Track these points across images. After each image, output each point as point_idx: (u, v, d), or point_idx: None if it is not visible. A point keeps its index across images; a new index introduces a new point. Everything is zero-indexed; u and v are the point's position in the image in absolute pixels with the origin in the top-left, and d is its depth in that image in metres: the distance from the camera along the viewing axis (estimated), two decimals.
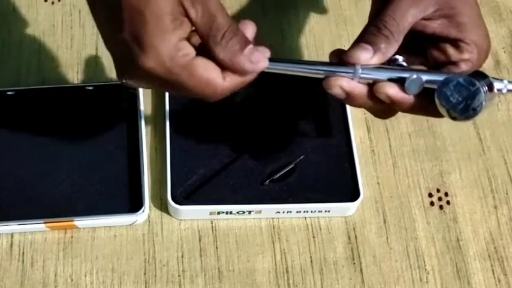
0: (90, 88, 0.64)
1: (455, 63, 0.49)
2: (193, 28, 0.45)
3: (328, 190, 0.60)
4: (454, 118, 0.47)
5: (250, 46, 0.45)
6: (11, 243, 0.58)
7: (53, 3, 0.71)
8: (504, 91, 0.47)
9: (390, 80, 0.47)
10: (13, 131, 0.62)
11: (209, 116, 0.63)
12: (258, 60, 0.46)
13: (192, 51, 0.45)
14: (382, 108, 0.50)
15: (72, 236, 0.59)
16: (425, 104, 0.48)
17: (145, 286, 0.57)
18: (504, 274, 0.59)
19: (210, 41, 0.45)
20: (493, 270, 0.60)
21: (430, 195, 0.63)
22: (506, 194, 0.63)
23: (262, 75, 0.47)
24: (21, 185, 0.59)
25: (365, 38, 0.48)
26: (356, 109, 0.58)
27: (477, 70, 0.48)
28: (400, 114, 0.51)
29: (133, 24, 0.43)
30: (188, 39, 0.45)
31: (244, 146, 0.62)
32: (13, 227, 0.58)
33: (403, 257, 0.60)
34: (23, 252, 0.58)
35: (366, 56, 0.47)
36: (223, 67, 0.45)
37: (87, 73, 0.67)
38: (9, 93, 0.63)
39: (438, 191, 0.63)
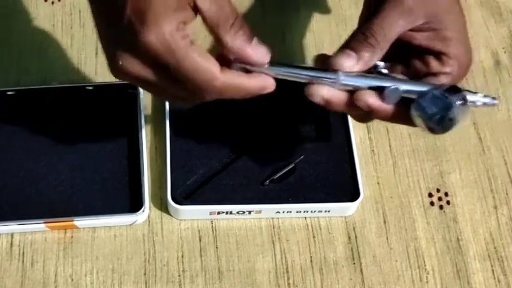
0: (90, 88, 0.64)
1: (435, 75, 0.50)
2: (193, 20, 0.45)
3: (328, 190, 0.60)
4: (431, 129, 0.47)
5: (256, 39, 0.46)
6: (11, 243, 0.58)
7: (53, 3, 0.71)
8: (478, 104, 0.49)
9: (370, 88, 0.48)
10: (13, 131, 0.62)
11: (209, 116, 0.63)
12: (262, 55, 0.46)
13: (190, 37, 0.44)
14: (361, 114, 0.51)
15: (72, 236, 0.59)
16: (402, 113, 0.48)
17: (146, 286, 0.57)
18: (504, 274, 0.59)
19: (219, 29, 0.45)
20: (493, 270, 0.60)
21: (430, 195, 0.63)
22: (506, 194, 0.63)
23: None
24: (21, 185, 0.59)
25: (351, 44, 0.49)
26: None
27: (453, 85, 0.48)
28: None
29: (138, 1, 0.43)
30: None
31: (244, 146, 0.62)
32: (13, 227, 0.58)
33: (403, 257, 0.60)
34: (23, 252, 0.58)
35: (349, 63, 0.48)
36: (228, 58, 0.46)
37: (87, 73, 0.67)
38: (9, 93, 0.63)
39: (438, 191, 0.63)
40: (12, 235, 0.59)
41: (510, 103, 0.68)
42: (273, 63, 0.48)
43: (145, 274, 0.58)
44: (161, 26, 0.43)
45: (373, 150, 0.65)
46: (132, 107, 0.63)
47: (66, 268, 0.58)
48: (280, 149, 0.62)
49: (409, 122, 0.48)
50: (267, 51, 0.47)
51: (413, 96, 0.47)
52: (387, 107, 0.48)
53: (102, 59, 0.67)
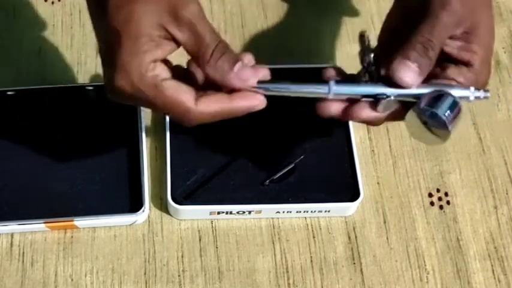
0: (90, 88, 0.64)
1: (448, 79, 0.49)
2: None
3: (328, 190, 0.60)
4: (429, 132, 0.47)
5: (239, 64, 0.46)
6: (11, 243, 0.58)
7: (53, 3, 0.71)
8: (472, 98, 0.48)
9: (363, 96, 0.47)
10: (13, 131, 0.62)
11: None
12: (248, 77, 0.47)
13: (164, 74, 0.46)
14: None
15: (72, 236, 0.59)
16: (398, 115, 0.48)
17: (145, 286, 0.57)
18: (504, 274, 0.59)
19: (199, 61, 0.46)
20: (493, 270, 0.60)
21: (430, 195, 0.63)
22: (506, 194, 0.63)
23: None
24: (21, 185, 0.59)
25: (409, 54, 0.47)
26: None
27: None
28: None
29: (111, 44, 0.45)
30: (167, 62, 0.47)
31: (244, 146, 0.62)
32: (13, 227, 0.58)
33: (403, 257, 0.60)
34: (23, 252, 0.58)
35: (411, 77, 0.46)
36: (215, 86, 0.47)
37: (87, 73, 0.67)
38: (9, 93, 0.63)
39: (438, 191, 0.63)
40: (12, 235, 0.59)
41: (510, 103, 0.68)
42: (261, 81, 0.47)
43: (145, 274, 0.58)
44: (128, 69, 0.45)
45: (373, 150, 0.65)
46: (132, 107, 0.63)
47: (66, 268, 0.58)
48: (280, 149, 0.62)
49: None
50: (254, 71, 0.47)
51: (408, 99, 0.47)
52: (383, 116, 0.48)
53: None
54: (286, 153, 0.62)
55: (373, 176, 0.63)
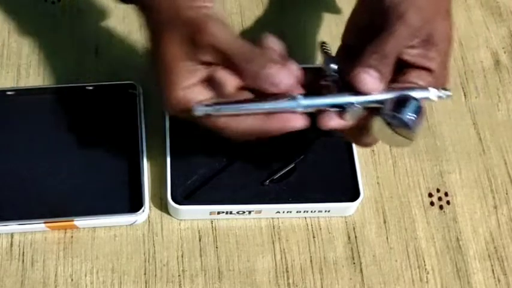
0: (90, 88, 0.64)
1: (409, 83, 0.50)
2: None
3: (328, 190, 0.60)
4: (396, 135, 0.48)
5: (270, 68, 0.47)
6: (11, 243, 0.58)
7: (53, 3, 0.71)
8: (433, 98, 0.49)
9: (331, 106, 0.48)
10: (13, 131, 0.62)
11: None
12: (280, 80, 0.47)
13: (201, 96, 0.49)
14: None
15: (72, 236, 0.59)
16: (365, 121, 0.49)
17: (145, 286, 0.57)
18: (504, 274, 0.59)
19: (235, 73, 0.48)
20: (493, 270, 0.60)
21: (430, 195, 0.63)
22: (506, 194, 0.63)
23: None
24: (21, 185, 0.59)
25: (369, 63, 0.48)
26: None
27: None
28: None
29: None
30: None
31: (244, 146, 0.62)
32: (13, 227, 0.58)
33: (403, 256, 0.60)
34: (23, 252, 0.58)
35: (374, 83, 0.48)
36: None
37: (87, 73, 0.67)
38: (9, 93, 0.63)
39: (438, 191, 0.63)
40: (12, 235, 0.59)
41: (510, 103, 0.68)
42: (229, 102, 0.48)
43: (145, 274, 0.58)
44: (168, 100, 0.49)
45: (373, 150, 0.65)
46: (132, 107, 0.63)
47: (66, 268, 0.58)
48: (280, 149, 0.62)
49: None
50: (287, 73, 0.48)
51: (373, 105, 0.48)
52: (351, 124, 0.49)
53: (102, 59, 0.67)
54: (286, 153, 0.62)
55: (373, 176, 0.63)
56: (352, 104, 0.48)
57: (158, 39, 0.49)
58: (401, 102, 0.47)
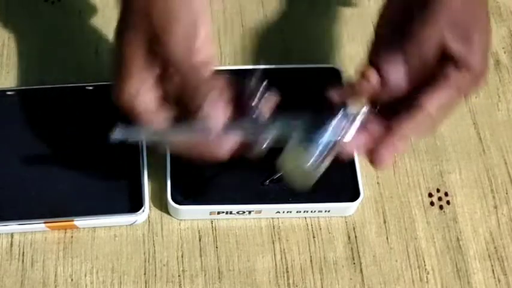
0: (90, 88, 0.64)
1: (445, 77, 0.49)
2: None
3: (328, 190, 0.60)
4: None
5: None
6: (11, 243, 0.58)
7: (53, 3, 0.71)
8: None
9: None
10: (13, 131, 0.62)
11: None
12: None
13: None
14: None
15: (72, 236, 0.59)
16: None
17: (145, 286, 0.57)
18: (504, 274, 0.59)
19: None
20: (493, 270, 0.60)
21: (430, 195, 0.63)
22: (506, 194, 0.63)
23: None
24: (21, 185, 0.59)
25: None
26: None
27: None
28: None
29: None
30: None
31: None
32: (13, 227, 0.58)
33: (403, 256, 0.60)
34: (23, 252, 0.58)
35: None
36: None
37: (87, 73, 0.67)
38: (9, 93, 0.63)
39: (438, 190, 0.63)
40: (12, 235, 0.59)
41: (510, 103, 0.68)
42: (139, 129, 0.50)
43: (145, 274, 0.58)
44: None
45: None
46: None
47: (66, 268, 0.58)
48: (281, 148, 0.62)
49: None
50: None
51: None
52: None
53: (101, 59, 0.67)
54: None
55: (373, 176, 0.63)
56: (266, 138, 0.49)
57: (123, 29, 0.49)
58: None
